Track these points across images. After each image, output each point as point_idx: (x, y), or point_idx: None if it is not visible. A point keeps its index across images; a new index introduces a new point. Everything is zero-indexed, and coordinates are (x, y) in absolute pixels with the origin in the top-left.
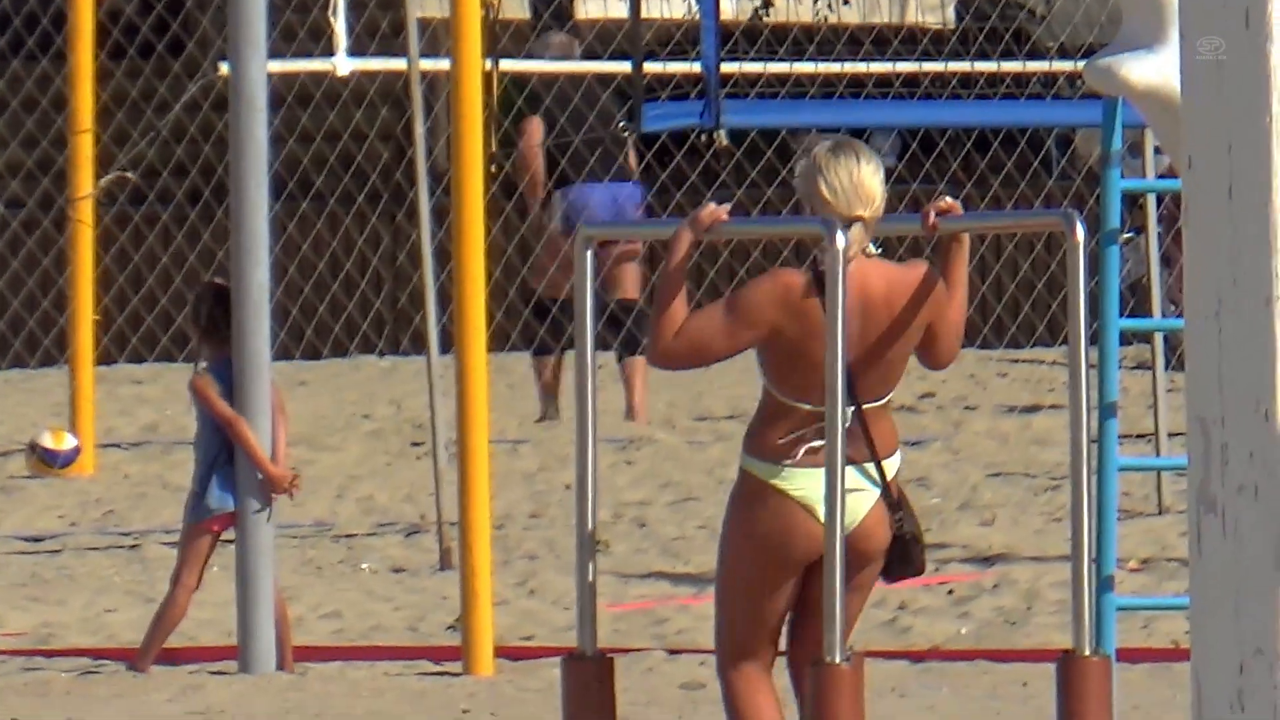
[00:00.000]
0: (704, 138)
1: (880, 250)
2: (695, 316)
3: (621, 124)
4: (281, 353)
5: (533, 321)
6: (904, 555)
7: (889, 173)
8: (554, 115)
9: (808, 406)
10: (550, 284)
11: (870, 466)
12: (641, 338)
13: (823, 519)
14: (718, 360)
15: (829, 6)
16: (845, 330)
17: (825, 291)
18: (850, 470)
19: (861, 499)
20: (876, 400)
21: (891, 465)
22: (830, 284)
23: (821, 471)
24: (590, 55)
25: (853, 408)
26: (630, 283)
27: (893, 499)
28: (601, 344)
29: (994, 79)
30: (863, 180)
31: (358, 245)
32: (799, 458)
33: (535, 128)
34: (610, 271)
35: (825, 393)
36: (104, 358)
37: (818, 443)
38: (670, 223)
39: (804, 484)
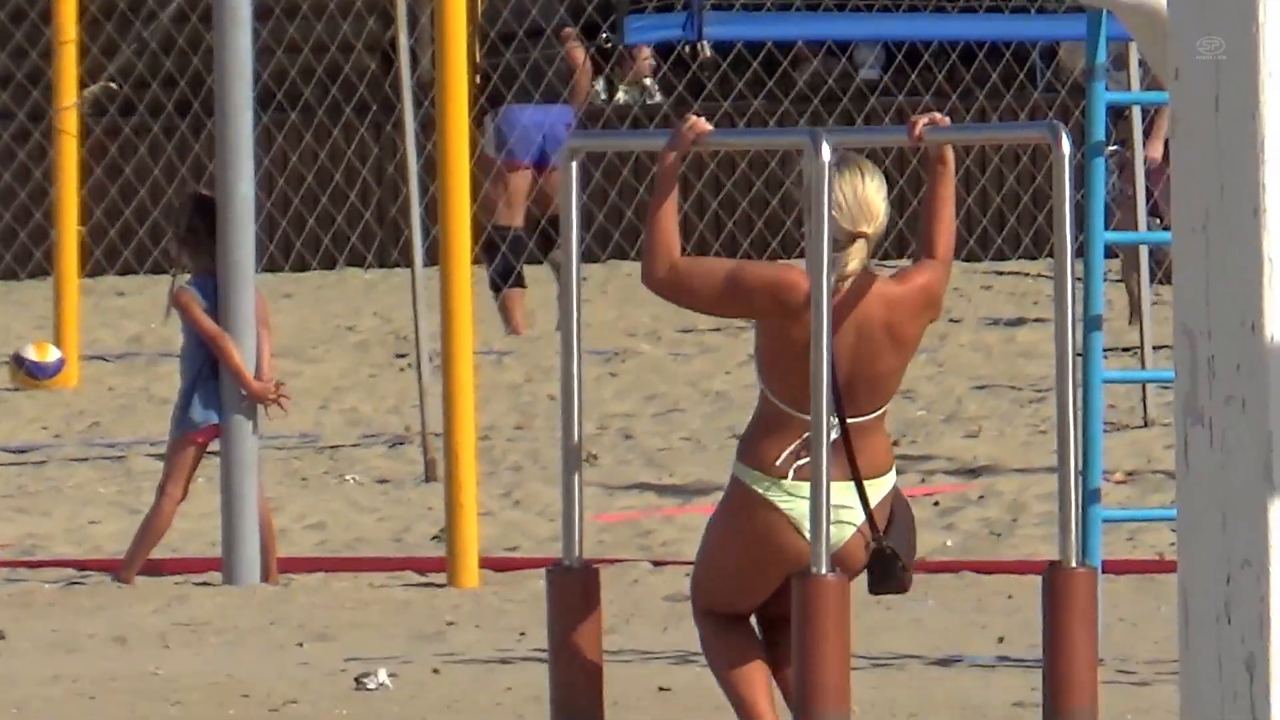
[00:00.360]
0: (688, 49)
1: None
2: (696, 265)
3: (606, 36)
4: (270, 265)
5: (489, 251)
6: (886, 571)
7: (873, 85)
8: (494, 44)
9: (805, 417)
10: (505, 212)
11: (855, 487)
12: (509, 266)
13: (805, 534)
14: (697, 312)
15: None
16: (837, 343)
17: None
18: (842, 487)
19: (850, 517)
20: (868, 415)
21: (882, 484)
22: (817, 198)
23: (806, 486)
24: None
25: (838, 421)
26: (502, 205)
27: (873, 523)
28: (536, 260)
29: None
30: (867, 196)
31: (345, 157)
32: (792, 473)
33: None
34: (544, 190)
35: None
36: (95, 270)
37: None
38: (658, 134)
39: (795, 501)
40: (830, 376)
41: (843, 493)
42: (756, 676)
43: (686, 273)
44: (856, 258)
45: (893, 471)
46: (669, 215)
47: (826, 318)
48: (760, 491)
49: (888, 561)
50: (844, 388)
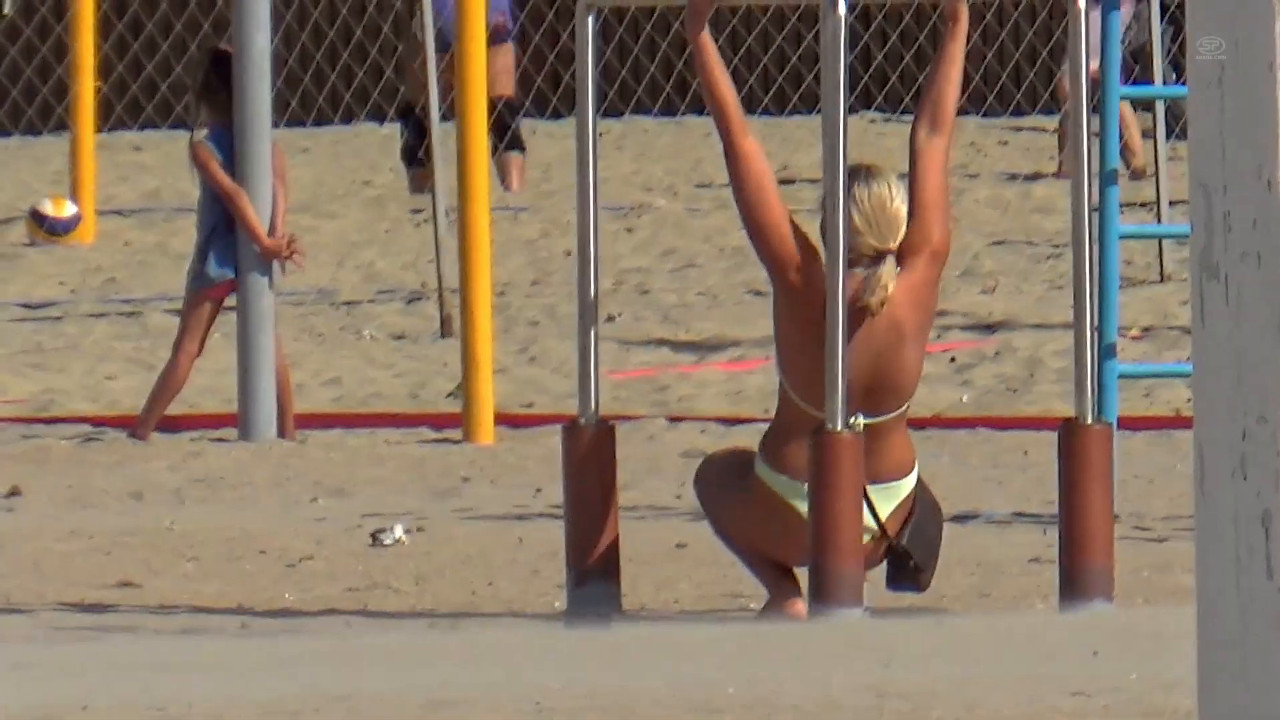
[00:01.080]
0: None
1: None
2: (752, 163)
3: None
4: (289, 119)
5: (409, 134)
6: (900, 571)
7: None
8: None
9: (821, 415)
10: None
11: (873, 490)
12: (518, 134)
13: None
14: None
15: None
16: (857, 347)
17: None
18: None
19: (865, 521)
20: (892, 412)
21: (903, 486)
22: (831, 61)
23: None
24: None
25: (861, 419)
26: (504, 80)
27: (884, 530)
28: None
29: None
30: (897, 211)
31: (366, 13)
32: (805, 475)
33: None
34: (491, 66)
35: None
36: (117, 125)
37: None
38: None
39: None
40: (846, 378)
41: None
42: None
43: (742, 163)
44: (890, 276)
45: (914, 472)
46: (716, 85)
47: (842, 257)
48: (785, 497)
49: (901, 562)
50: (865, 391)
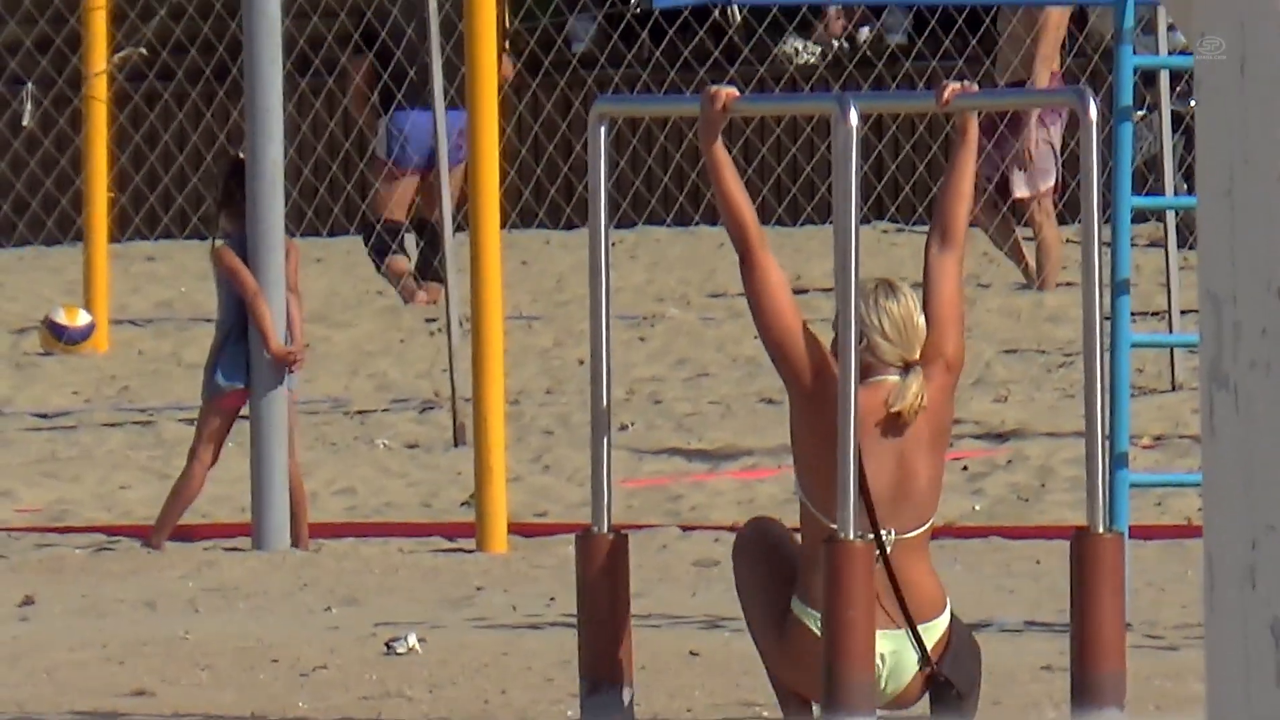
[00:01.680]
0: (722, 13)
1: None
2: (767, 276)
3: (634, 2)
4: (306, 229)
5: (378, 244)
6: (942, 701)
7: (902, 49)
8: (388, 47)
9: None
10: (395, 211)
11: (907, 635)
12: (381, 257)
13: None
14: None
15: None
16: (877, 458)
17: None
18: (893, 636)
19: (903, 663)
20: (915, 530)
21: (937, 626)
22: (843, 164)
23: (881, 637)
24: None
25: (886, 539)
26: (386, 201)
27: (934, 670)
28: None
29: None
30: (916, 322)
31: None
32: None
33: (360, 72)
34: (428, 194)
35: (871, 519)
36: (134, 235)
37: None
38: (686, 99)
39: None
40: (863, 490)
41: (893, 641)
42: None
43: (758, 274)
44: (919, 384)
45: (947, 609)
46: (731, 197)
47: (853, 340)
48: (817, 633)
49: (943, 692)
50: (888, 504)
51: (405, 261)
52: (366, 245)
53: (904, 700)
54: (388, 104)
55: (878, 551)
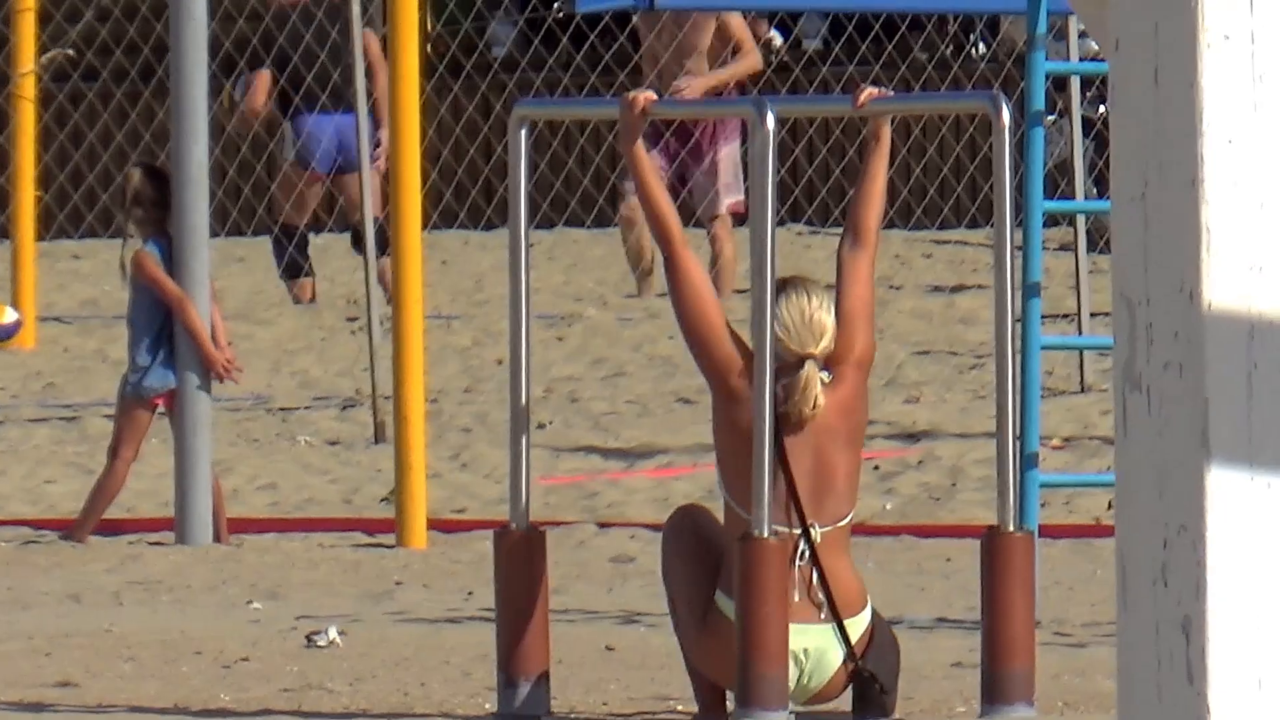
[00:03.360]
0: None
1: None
2: (689, 276)
3: (556, 6)
4: (232, 229)
5: (278, 248)
6: (866, 696)
7: (818, 55)
8: (286, 53)
9: (778, 530)
10: (291, 213)
11: (833, 630)
12: (296, 265)
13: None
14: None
15: None
16: (794, 451)
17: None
18: (815, 631)
19: (827, 658)
20: (834, 522)
21: (859, 622)
22: (760, 167)
23: (797, 628)
24: None
25: (804, 538)
26: (294, 205)
27: (858, 665)
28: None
29: None
30: (814, 317)
31: None
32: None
33: (261, 85)
34: (349, 193)
35: (791, 512)
36: (59, 233)
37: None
38: (606, 102)
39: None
40: (790, 485)
41: (819, 636)
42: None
43: (681, 274)
44: (813, 380)
45: (869, 605)
46: (653, 198)
47: (769, 318)
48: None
49: (868, 686)
50: (809, 499)
51: (310, 284)
52: (276, 260)
53: (827, 694)
54: (286, 108)
55: (805, 547)
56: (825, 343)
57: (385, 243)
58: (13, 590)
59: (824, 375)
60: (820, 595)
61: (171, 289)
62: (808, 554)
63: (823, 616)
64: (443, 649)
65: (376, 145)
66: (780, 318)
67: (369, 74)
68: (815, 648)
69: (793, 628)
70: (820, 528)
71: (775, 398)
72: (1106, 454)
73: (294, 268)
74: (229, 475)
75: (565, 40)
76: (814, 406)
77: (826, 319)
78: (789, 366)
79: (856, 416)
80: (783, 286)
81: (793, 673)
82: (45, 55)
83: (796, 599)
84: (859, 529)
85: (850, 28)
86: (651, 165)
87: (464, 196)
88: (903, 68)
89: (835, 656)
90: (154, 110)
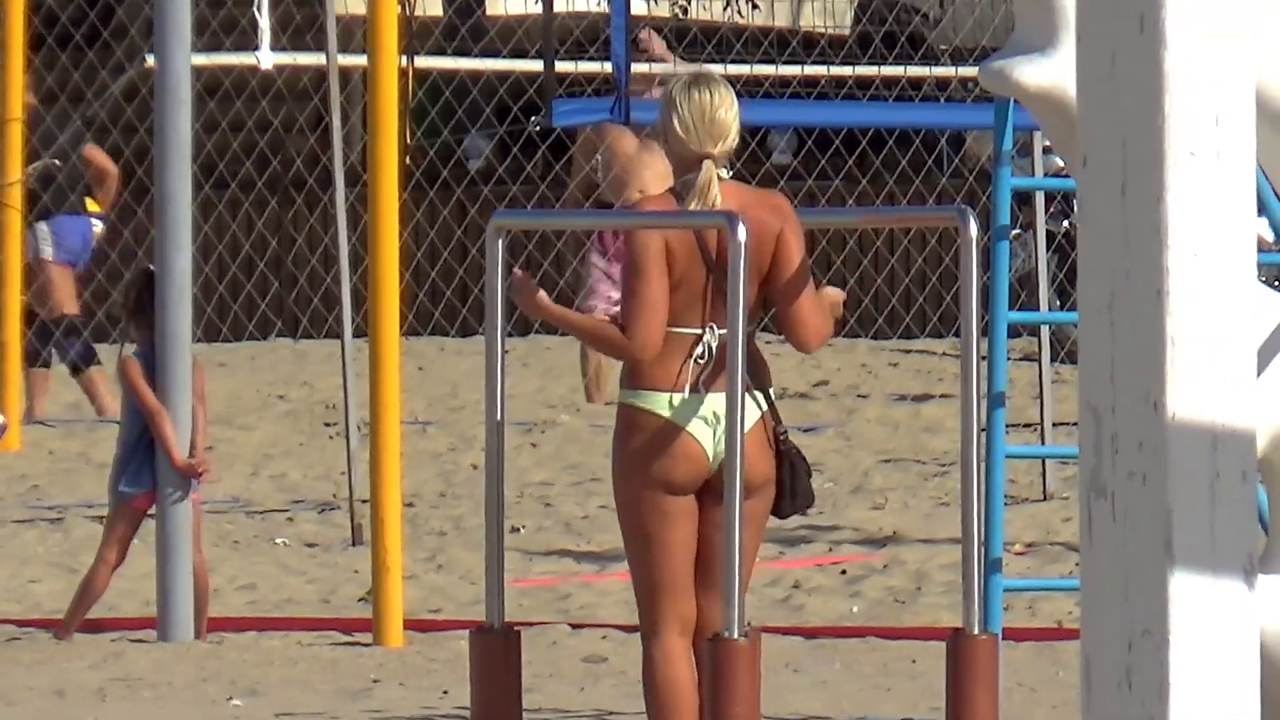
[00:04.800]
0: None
1: (731, 174)
2: (628, 304)
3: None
4: (206, 331)
5: (34, 340)
6: (793, 484)
7: (785, 170)
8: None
9: (680, 330)
10: (50, 307)
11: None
12: (90, 349)
13: (700, 442)
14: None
15: (738, 11)
16: (710, 251)
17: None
18: (723, 397)
19: (747, 416)
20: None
21: (756, 398)
22: (734, 261)
23: (695, 397)
24: (494, 53)
25: (715, 336)
26: (66, 298)
27: (777, 418)
28: (41, 360)
29: (890, 81)
30: (715, 116)
31: (281, 230)
32: (674, 384)
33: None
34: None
35: (692, 316)
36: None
37: (702, 369)
38: (582, 214)
39: (678, 408)
40: (708, 288)
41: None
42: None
43: (635, 313)
44: (706, 180)
45: (768, 391)
46: (590, 336)
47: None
48: (644, 406)
49: (796, 465)
50: (710, 307)
51: (101, 375)
52: (46, 348)
53: (753, 473)
54: (32, 206)
55: (712, 340)
56: (725, 144)
57: (38, 354)
58: None
59: (722, 172)
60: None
61: (149, 400)
62: (713, 347)
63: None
64: None
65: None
66: (680, 115)
67: (99, 182)
68: (723, 411)
69: (709, 396)
70: (719, 329)
71: (677, 197)
72: (1069, 559)
73: (88, 355)
74: (210, 575)
75: (544, 149)
76: (712, 205)
77: (727, 117)
78: (688, 164)
79: (764, 248)
80: (689, 84)
81: (707, 433)
82: (32, 165)
83: (713, 375)
84: (827, 631)
85: (810, 143)
86: (564, 312)
87: (439, 301)
88: (863, 182)
89: (748, 413)
90: (134, 215)
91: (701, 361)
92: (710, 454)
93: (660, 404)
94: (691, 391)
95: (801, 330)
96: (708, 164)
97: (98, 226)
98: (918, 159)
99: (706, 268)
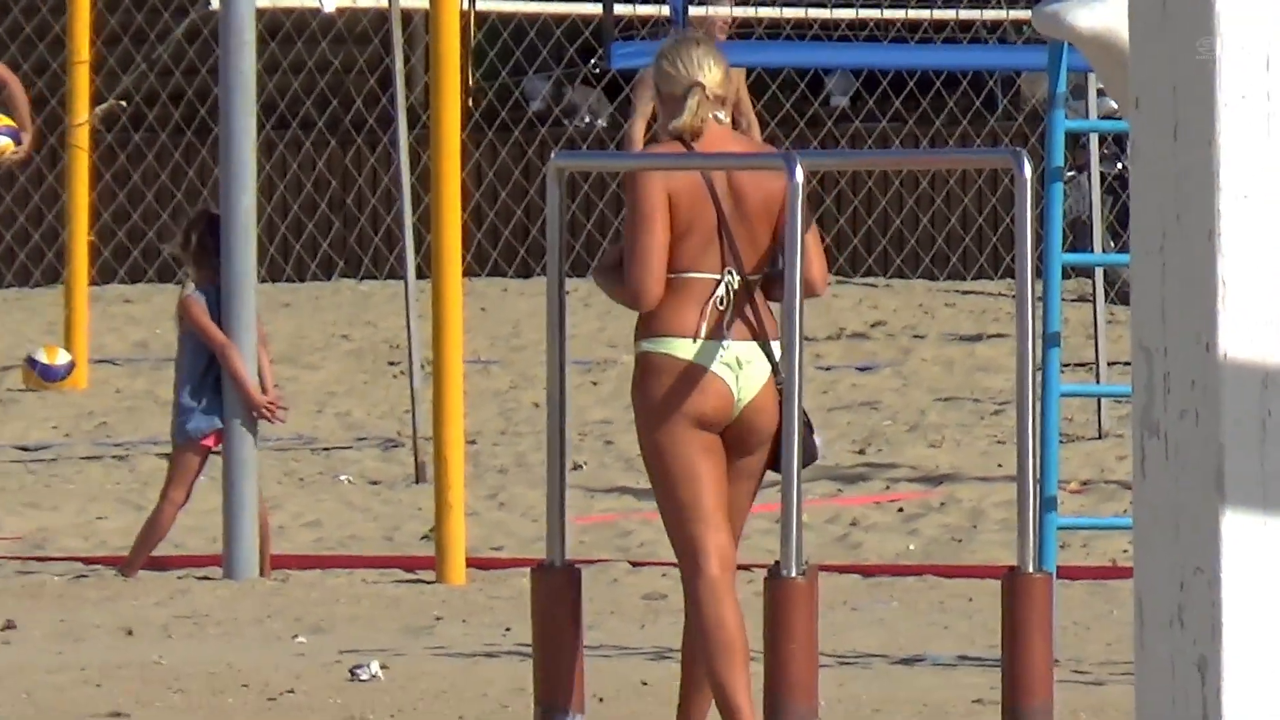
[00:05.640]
0: None
1: (778, 119)
2: (627, 253)
3: (593, 62)
4: (270, 271)
5: None
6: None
7: (838, 111)
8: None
9: (696, 275)
10: None
11: (759, 344)
12: None
13: (726, 382)
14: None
15: None
16: (720, 193)
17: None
18: (743, 345)
19: (755, 366)
20: (754, 274)
21: (772, 350)
22: (792, 211)
23: (716, 343)
24: None
25: (739, 278)
26: None
27: (777, 371)
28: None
29: (939, 25)
30: (702, 57)
31: (343, 171)
32: (694, 331)
33: None
34: None
35: (709, 261)
36: (104, 272)
37: (721, 314)
38: (639, 155)
39: (700, 351)
40: (720, 232)
41: (747, 350)
42: (734, 662)
43: (634, 259)
44: (693, 108)
45: (777, 344)
46: (608, 274)
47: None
48: (666, 351)
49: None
50: (731, 239)
51: None
52: None
53: (761, 420)
54: None
55: (734, 282)
56: (713, 78)
57: None
58: (65, 623)
59: (719, 115)
60: (753, 321)
61: (217, 335)
62: (734, 291)
63: (752, 335)
64: (481, 682)
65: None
66: (668, 58)
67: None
68: (744, 357)
69: (730, 343)
70: (739, 274)
71: (681, 142)
72: (1123, 498)
73: None
74: (276, 513)
75: (599, 90)
76: (701, 120)
77: (713, 64)
78: (676, 102)
79: (768, 199)
80: (677, 40)
81: (730, 377)
82: (99, 106)
83: (733, 321)
84: (884, 569)
85: (857, 84)
86: (605, 269)
87: (499, 243)
88: (909, 123)
89: (762, 368)
90: (197, 156)
91: (722, 307)
92: (736, 396)
93: (682, 349)
94: (710, 338)
95: (809, 269)
96: (697, 91)
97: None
98: (965, 101)
99: (717, 210)
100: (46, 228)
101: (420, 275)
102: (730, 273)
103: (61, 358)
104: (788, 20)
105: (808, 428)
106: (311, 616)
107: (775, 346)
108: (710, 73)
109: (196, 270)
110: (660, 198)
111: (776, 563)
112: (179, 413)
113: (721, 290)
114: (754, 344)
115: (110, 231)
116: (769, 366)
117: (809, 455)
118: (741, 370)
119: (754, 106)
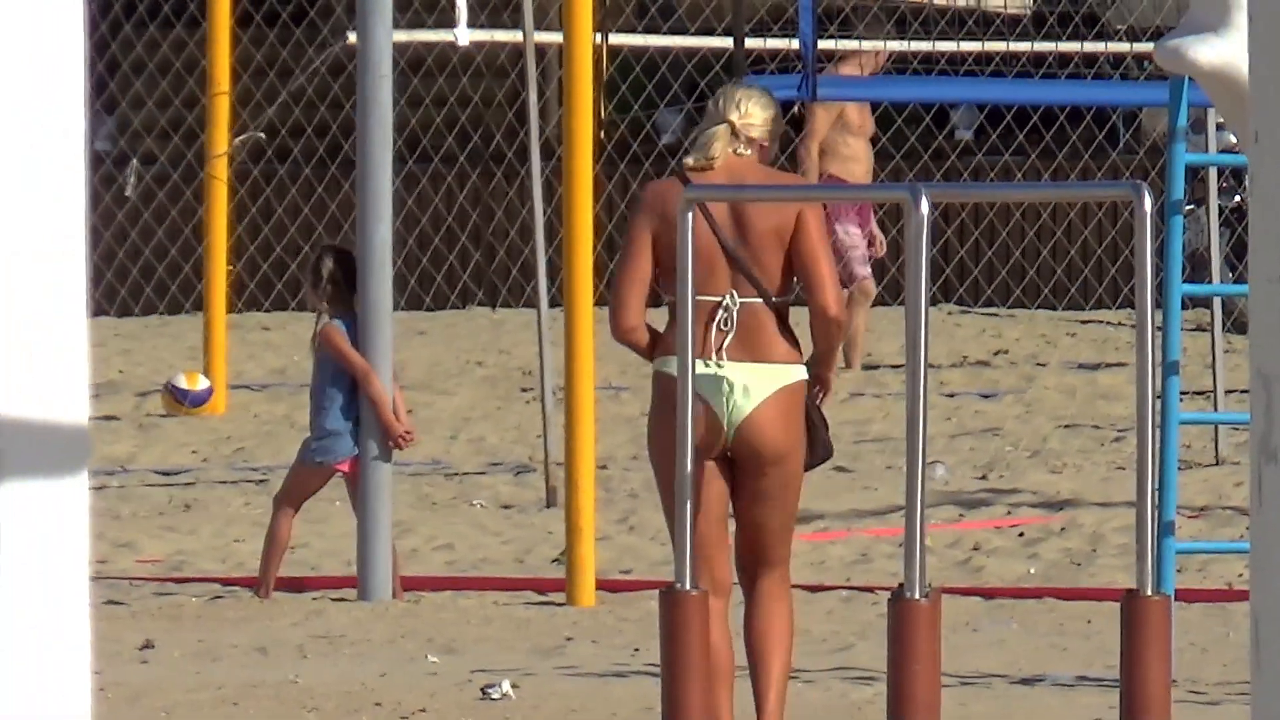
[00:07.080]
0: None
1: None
2: (616, 285)
3: None
4: (409, 301)
5: None
6: (814, 436)
7: (962, 144)
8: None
9: (702, 298)
10: None
11: (760, 366)
12: None
13: (714, 408)
14: (648, 282)
15: None
16: (720, 221)
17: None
18: (741, 366)
19: (752, 392)
20: (753, 296)
21: (788, 372)
22: (915, 245)
23: (707, 363)
24: (682, 30)
25: (740, 302)
26: None
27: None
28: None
29: (1064, 59)
30: (742, 99)
31: (481, 203)
32: (697, 351)
33: None
34: None
35: (715, 285)
36: (250, 303)
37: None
38: (770, 189)
39: (697, 375)
40: (724, 253)
41: (746, 372)
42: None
43: (617, 293)
44: (718, 142)
45: (799, 368)
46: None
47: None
48: (662, 369)
49: (814, 426)
50: (730, 260)
51: None
52: None
53: (762, 442)
54: None
55: (733, 305)
56: (744, 119)
57: None
58: (203, 643)
59: (741, 148)
60: (756, 343)
61: (358, 361)
62: (734, 313)
63: (754, 359)
64: (610, 702)
65: None
66: (718, 101)
67: None
68: (739, 379)
69: (729, 365)
70: (740, 298)
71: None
72: (1239, 523)
73: None
74: (409, 536)
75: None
76: (709, 158)
77: (755, 109)
78: (705, 134)
79: (779, 229)
80: (734, 84)
81: (719, 399)
82: (239, 137)
83: (735, 343)
84: (1004, 592)
85: (980, 118)
86: (636, 342)
87: None
88: (1031, 156)
89: (762, 388)
90: (341, 189)
91: (725, 329)
92: (725, 421)
93: (671, 366)
94: (704, 358)
95: (822, 293)
96: (724, 128)
97: None
98: (1088, 135)
99: (717, 236)
100: (188, 256)
101: (554, 304)
102: (731, 296)
103: (201, 383)
104: (915, 54)
105: (823, 426)
106: (443, 637)
107: (791, 369)
108: (744, 114)
109: (330, 305)
110: (643, 235)
111: (901, 585)
112: (319, 435)
113: (721, 313)
114: (755, 365)
115: (255, 264)
116: (774, 386)
117: (825, 452)
118: (734, 391)
119: (881, 139)
